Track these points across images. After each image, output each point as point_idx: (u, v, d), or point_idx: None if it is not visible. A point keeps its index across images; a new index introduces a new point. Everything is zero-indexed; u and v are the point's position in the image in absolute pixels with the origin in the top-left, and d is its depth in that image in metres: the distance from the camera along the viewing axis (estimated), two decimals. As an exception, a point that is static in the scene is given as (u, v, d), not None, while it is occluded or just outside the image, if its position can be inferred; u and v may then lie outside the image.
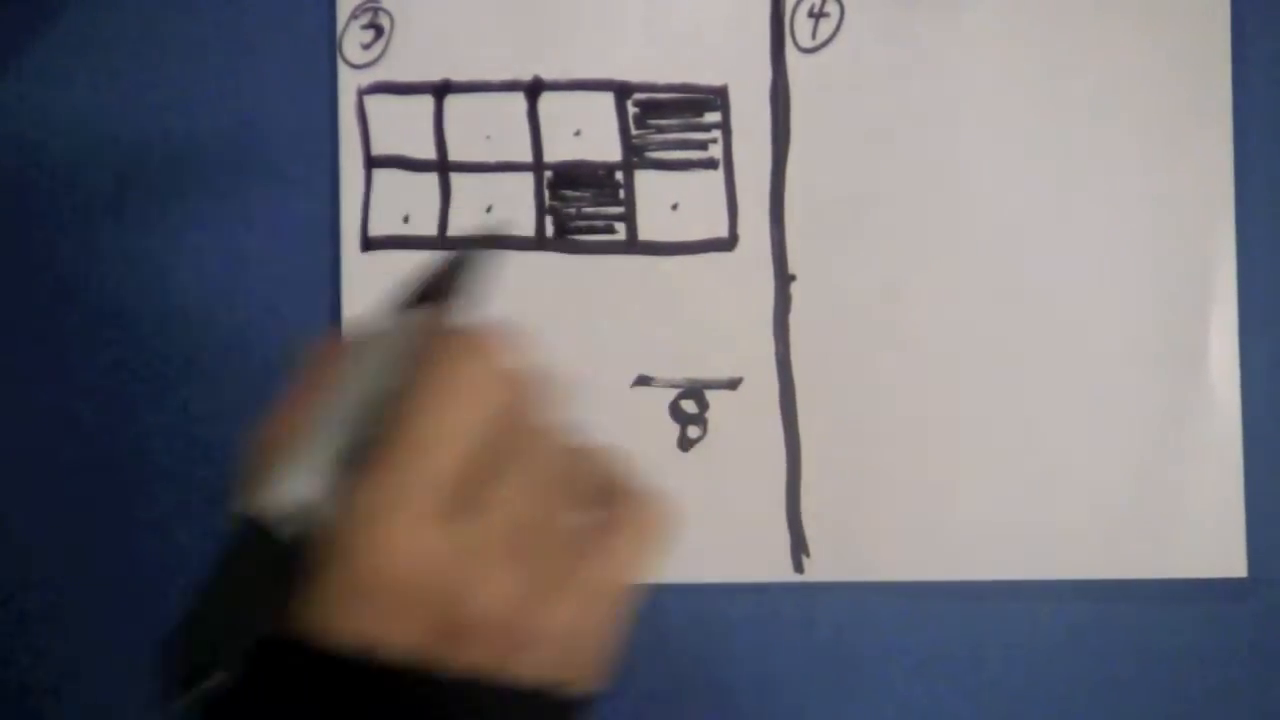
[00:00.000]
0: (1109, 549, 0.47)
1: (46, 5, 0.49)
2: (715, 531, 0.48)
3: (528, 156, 0.48)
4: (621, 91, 0.48)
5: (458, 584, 0.27)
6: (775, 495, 0.48)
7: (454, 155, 0.48)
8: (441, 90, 0.48)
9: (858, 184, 0.48)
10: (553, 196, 0.48)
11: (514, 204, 0.48)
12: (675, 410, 0.48)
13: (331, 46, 0.48)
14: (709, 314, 0.48)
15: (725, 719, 0.48)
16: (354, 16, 0.48)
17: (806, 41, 0.48)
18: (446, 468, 0.27)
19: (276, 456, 0.27)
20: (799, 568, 0.48)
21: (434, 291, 0.30)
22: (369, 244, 0.48)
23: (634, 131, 0.48)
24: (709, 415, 0.48)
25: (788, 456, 0.48)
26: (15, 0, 0.49)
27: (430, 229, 0.48)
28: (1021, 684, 0.48)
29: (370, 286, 0.48)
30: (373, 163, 0.48)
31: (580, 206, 0.48)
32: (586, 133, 0.48)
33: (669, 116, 0.48)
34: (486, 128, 0.48)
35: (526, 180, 0.48)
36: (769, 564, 0.48)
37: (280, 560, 0.26)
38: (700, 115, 0.48)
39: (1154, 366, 0.47)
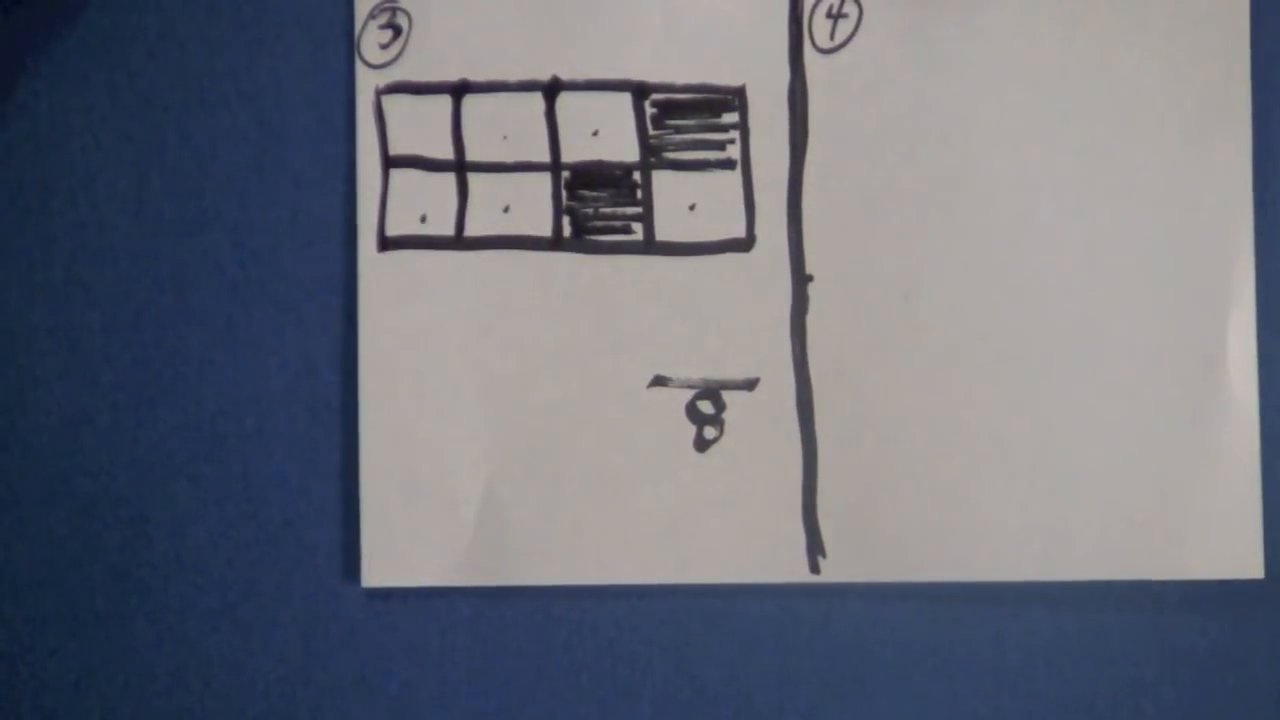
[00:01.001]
0: (1125, 550, 0.47)
1: (64, 4, 0.49)
2: (731, 532, 0.48)
3: (545, 156, 0.48)
4: (639, 92, 0.48)
5: None
6: (792, 496, 0.48)
7: (471, 155, 0.48)
8: (459, 90, 0.48)
9: (876, 185, 0.48)
10: (570, 197, 0.48)
11: (531, 204, 0.48)
12: (691, 411, 0.48)
13: (349, 46, 0.48)
14: (726, 314, 0.48)
15: None
16: (372, 16, 0.48)
17: (825, 42, 0.48)
18: None
19: None
20: (815, 568, 0.48)
21: None
22: (386, 244, 0.48)
23: (652, 132, 0.48)
24: (725, 416, 0.48)
25: (804, 457, 0.48)
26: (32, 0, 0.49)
27: (447, 229, 0.48)
28: (1039, 685, 0.48)
29: (387, 286, 0.48)
30: (390, 162, 0.48)
31: (598, 207, 0.48)
32: (604, 133, 0.48)
33: (687, 117, 0.48)
34: (504, 128, 0.48)
35: (544, 180, 0.48)
36: (785, 565, 0.48)
37: None
38: (718, 116, 0.48)
39: (1172, 367, 0.47)
